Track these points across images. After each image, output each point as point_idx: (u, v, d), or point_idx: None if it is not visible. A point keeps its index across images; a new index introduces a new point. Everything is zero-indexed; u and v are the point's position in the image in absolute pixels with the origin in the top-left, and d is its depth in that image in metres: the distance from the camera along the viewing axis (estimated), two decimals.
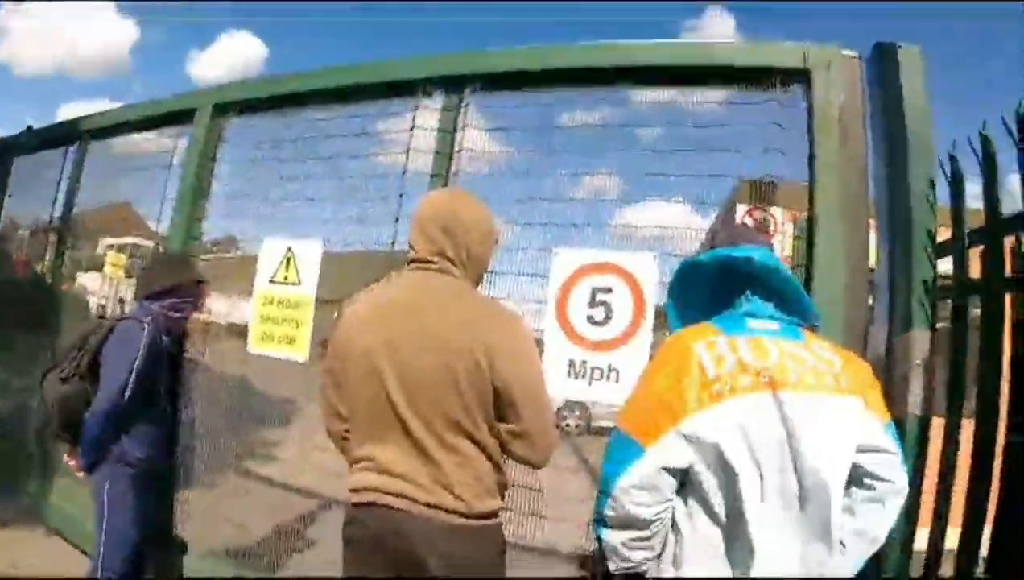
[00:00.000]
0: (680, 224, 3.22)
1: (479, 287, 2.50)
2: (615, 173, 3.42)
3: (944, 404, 2.93)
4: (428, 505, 2.20)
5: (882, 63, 3.07)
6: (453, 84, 3.66)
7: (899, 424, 2.82)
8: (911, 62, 2.98)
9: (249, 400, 4.15)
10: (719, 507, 1.97)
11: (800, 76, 3.11)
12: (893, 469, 2.04)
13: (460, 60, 3.74)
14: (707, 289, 2.21)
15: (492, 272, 3.19)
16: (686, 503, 2.02)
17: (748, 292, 2.14)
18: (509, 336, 2.26)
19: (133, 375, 3.39)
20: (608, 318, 3.13)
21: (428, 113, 3.66)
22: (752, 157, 3.13)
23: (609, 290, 3.13)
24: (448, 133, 3.60)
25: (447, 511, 2.20)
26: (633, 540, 2.05)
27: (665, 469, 1.96)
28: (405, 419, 2.21)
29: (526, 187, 3.45)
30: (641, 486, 1.97)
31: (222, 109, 4.44)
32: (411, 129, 3.63)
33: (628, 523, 2.02)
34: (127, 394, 3.37)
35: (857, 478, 2.03)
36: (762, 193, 3.13)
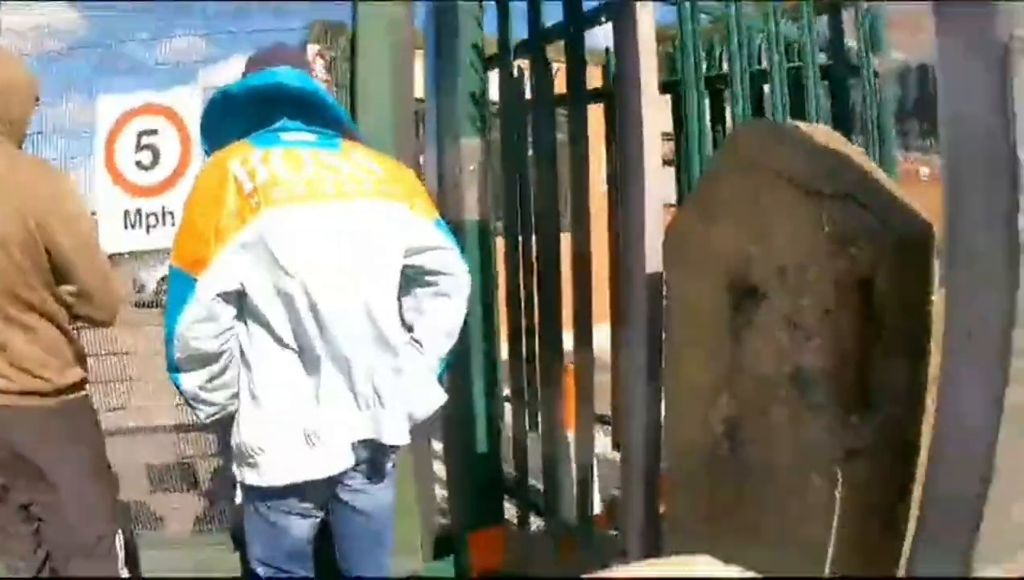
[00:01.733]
0: None
1: (21, 147, 2.32)
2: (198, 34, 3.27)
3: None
4: (10, 393, 2.11)
5: None
6: None
7: (458, 228, 2.84)
8: None
9: None
10: (279, 327, 1.90)
11: None
12: (451, 263, 2.07)
13: None
14: (244, 119, 2.07)
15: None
16: (248, 328, 1.94)
17: (283, 115, 2.03)
18: (55, 198, 2.16)
19: None
20: (156, 161, 2.97)
21: None
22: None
23: (155, 132, 2.96)
24: None
25: (31, 394, 2.13)
26: (209, 381, 1.96)
27: (219, 295, 1.85)
28: None
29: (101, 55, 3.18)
30: (198, 318, 1.86)
31: None
32: None
33: (197, 361, 1.92)
34: None
35: (418, 278, 2.06)
36: (332, 33, 3.06)
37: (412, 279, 2.07)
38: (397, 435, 2.00)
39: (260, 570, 2.14)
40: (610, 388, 3.54)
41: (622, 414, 2.47)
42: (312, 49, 3.20)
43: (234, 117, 2.07)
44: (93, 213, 2.70)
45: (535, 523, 3.29)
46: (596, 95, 2.97)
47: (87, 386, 2.33)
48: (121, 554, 2.38)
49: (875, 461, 1.51)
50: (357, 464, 2.01)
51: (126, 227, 2.98)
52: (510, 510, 3.35)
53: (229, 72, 3.16)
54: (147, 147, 2.98)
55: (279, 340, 1.92)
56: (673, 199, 3.25)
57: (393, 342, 1.99)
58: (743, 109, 3.04)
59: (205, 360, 1.92)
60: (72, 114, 3.09)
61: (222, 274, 1.85)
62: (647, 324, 2.31)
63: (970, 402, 1.21)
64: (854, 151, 1.67)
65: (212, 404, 2.00)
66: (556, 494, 3.02)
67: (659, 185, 2.33)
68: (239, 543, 2.88)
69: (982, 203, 1.16)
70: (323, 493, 2.04)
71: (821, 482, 1.53)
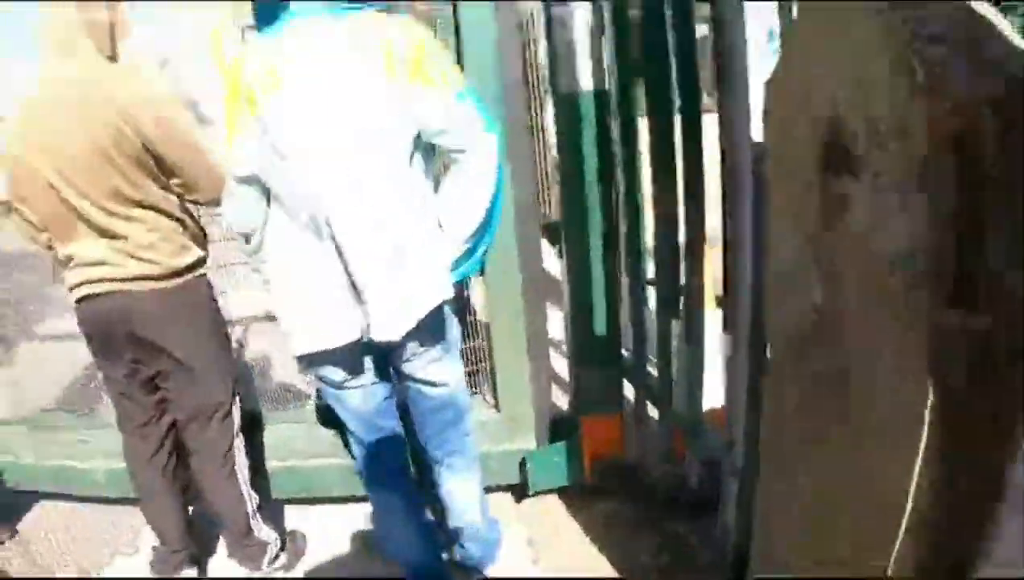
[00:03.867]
0: None
1: (116, 51, 2.43)
2: None
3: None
4: (129, 279, 2.34)
5: None
6: None
7: (569, 100, 2.71)
8: None
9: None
10: (284, 209, 2.02)
11: None
12: (469, 137, 2.00)
13: None
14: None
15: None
16: (269, 208, 2.08)
17: None
18: (144, 98, 2.29)
19: None
20: None
21: None
22: None
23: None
24: None
25: (147, 278, 2.35)
26: (251, 255, 2.17)
27: (239, 179, 2.02)
28: (83, 212, 2.28)
29: None
30: (227, 198, 2.08)
31: None
32: None
33: (240, 238, 2.14)
34: None
35: (446, 158, 2.07)
36: None
37: (441, 158, 2.08)
38: (389, 331, 2.01)
39: (349, 430, 2.34)
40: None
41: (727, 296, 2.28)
42: None
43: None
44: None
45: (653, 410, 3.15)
46: None
47: (204, 266, 2.53)
48: (238, 421, 2.64)
49: (978, 370, 1.26)
50: (399, 341, 2.06)
51: None
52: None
53: None
54: None
55: (286, 221, 2.02)
56: None
57: (393, 226, 1.97)
58: None
59: (241, 237, 2.12)
60: None
61: (236, 160, 1.99)
62: (751, 194, 2.11)
63: None
64: None
65: (262, 274, 2.18)
66: (669, 382, 2.87)
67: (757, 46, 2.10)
68: (320, 413, 3.02)
69: None
70: (357, 362, 2.15)
71: (912, 388, 1.31)
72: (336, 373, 2.16)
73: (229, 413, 2.60)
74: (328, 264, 1.98)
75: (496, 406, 3.08)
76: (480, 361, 3.13)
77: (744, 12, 2.06)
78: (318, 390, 2.79)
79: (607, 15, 2.66)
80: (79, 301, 2.40)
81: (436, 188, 2.11)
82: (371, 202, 1.95)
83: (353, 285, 1.99)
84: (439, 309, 2.10)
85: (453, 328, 2.27)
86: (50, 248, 2.46)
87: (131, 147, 2.24)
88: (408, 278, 1.99)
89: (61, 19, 2.27)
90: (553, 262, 3.38)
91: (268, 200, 2.06)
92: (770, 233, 1.86)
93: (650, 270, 2.93)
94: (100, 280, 2.34)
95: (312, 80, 1.92)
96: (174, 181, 2.37)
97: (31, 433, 3.46)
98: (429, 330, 2.11)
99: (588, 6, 2.71)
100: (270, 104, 1.92)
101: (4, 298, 3.87)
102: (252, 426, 2.95)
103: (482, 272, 2.79)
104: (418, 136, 1.98)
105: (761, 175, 2.00)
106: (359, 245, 1.96)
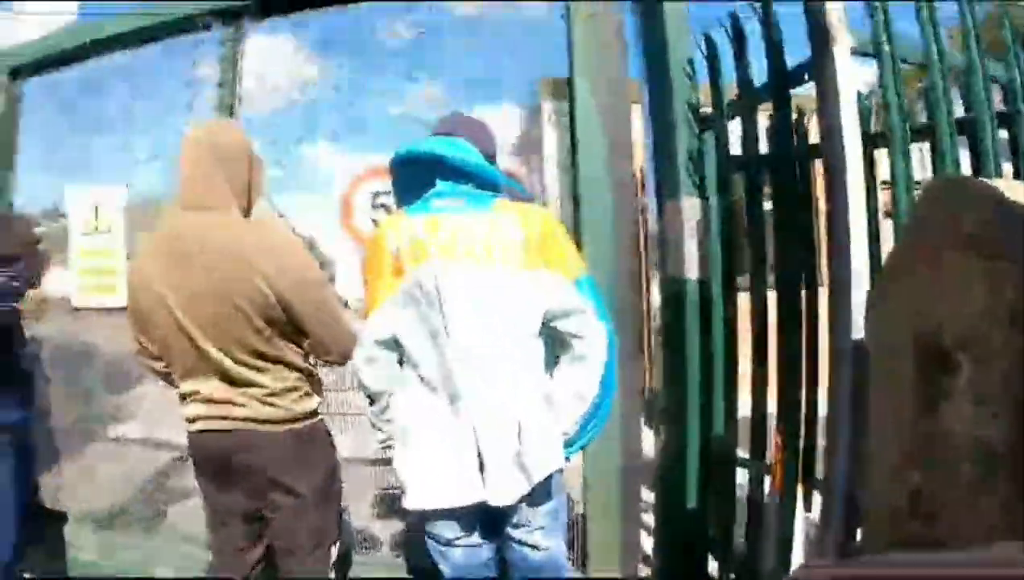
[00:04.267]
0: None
1: (252, 209, 2.54)
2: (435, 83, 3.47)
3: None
4: (252, 420, 2.40)
5: None
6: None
7: (676, 285, 2.89)
8: None
9: (101, 366, 4.09)
10: (417, 376, 2.16)
11: None
12: (584, 326, 2.15)
13: None
14: (413, 177, 2.32)
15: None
16: (403, 371, 2.20)
17: (437, 179, 2.26)
18: (283, 263, 2.38)
19: None
20: None
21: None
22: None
23: (389, 192, 3.16)
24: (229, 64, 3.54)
25: (270, 422, 2.41)
26: (377, 414, 2.25)
27: (377, 342, 2.16)
28: (216, 359, 2.36)
29: (339, 108, 3.47)
30: (363, 360, 2.19)
31: (15, 73, 4.18)
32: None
33: (369, 397, 2.24)
34: None
35: (561, 341, 2.18)
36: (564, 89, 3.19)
37: (555, 341, 2.18)
38: (504, 495, 2.10)
39: None
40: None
41: (825, 483, 2.38)
42: (547, 105, 3.36)
43: (405, 176, 2.34)
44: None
45: None
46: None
47: (319, 412, 2.57)
48: (332, 561, 2.63)
49: None
50: (512, 504, 2.13)
51: None
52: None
53: None
54: (382, 206, 3.29)
55: (420, 384, 2.15)
56: None
57: (517, 400, 2.11)
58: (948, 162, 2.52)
59: (372, 397, 2.21)
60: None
61: (376, 325, 2.14)
62: (852, 390, 2.23)
63: None
64: None
65: (383, 432, 2.27)
66: (756, 558, 2.94)
67: (863, 245, 2.27)
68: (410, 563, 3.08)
69: None
70: (468, 522, 2.19)
71: None
72: (447, 530, 2.22)
73: (330, 548, 2.62)
74: (457, 429, 2.10)
75: (584, 574, 3.14)
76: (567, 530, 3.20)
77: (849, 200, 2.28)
78: (415, 541, 2.85)
79: (715, 209, 2.92)
80: (194, 433, 2.46)
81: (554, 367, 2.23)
82: (501, 375, 2.10)
83: (478, 451, 2.09)
84: (549, 478, 2.19)
85: (562, 497, 2.35)
86: (165, 374, 2.55)
87: (267, 306, 2.33)
88: (526, 448, 2.09)
89: (204, 172, 2.38)
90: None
91: (401, 363, 2.20)
92: (871, 424, 2.00)
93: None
94: (224, 418, 2.40)
95: (457, 260, 2.12)
96: (305, 341, 2.46)
97: (96, 531, 3.57)
98: (540, 497, 2.19)
99: (697, 201, 2.96)
100: (417, 275, 2.11)
101: (78, 397, 4.00)
102: (343, 563, 3.00)
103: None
104: (542, 319, 2.15)
105: (859, 365, 2.18)
106: (487, 415, 2.09)
